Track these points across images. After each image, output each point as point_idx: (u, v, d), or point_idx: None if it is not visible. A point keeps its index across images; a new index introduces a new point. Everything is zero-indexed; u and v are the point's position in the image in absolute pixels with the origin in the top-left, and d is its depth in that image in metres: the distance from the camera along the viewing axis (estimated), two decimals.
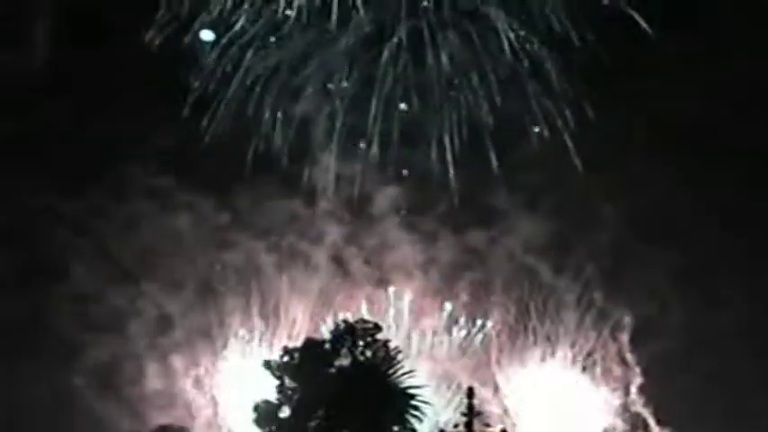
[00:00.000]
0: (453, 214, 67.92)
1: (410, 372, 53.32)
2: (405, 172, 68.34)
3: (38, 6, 64.95)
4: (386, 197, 69.28)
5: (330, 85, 66.73)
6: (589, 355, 69.16)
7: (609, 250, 67.45)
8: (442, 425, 56.76)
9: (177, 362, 68.59)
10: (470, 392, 50.60)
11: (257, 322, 68.78)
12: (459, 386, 65.62)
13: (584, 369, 68.86)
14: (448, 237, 68.88)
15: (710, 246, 66.07)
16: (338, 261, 70.27)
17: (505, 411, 66.68)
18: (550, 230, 67.82)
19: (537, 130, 65.23)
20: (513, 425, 63.70)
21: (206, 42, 63.24)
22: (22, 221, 65.91)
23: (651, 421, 69.56)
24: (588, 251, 67.84)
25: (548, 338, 69.43)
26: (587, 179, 64.77)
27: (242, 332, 68.65)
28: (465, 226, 68.62)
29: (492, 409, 64.35)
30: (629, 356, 69.62)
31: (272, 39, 64.86)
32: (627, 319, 68.53)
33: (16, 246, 65.45)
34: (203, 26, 62.76)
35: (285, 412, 53.33)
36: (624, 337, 68.89)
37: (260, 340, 67.50)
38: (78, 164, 66.53)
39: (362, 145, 67.58)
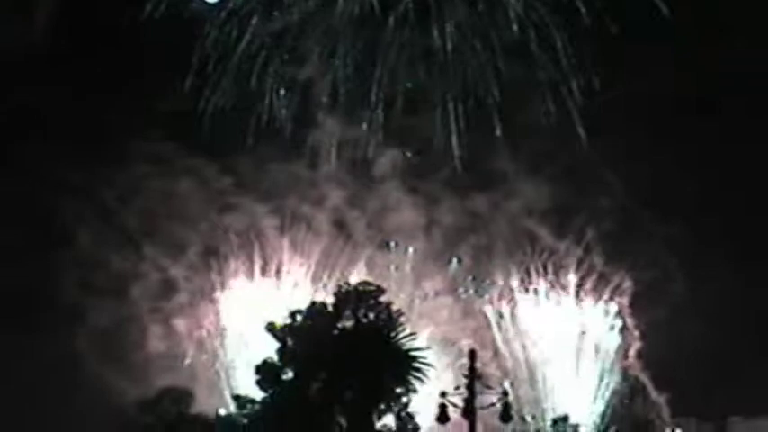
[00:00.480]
0: (456, 179, 67.70)
1: (412, 334, 53.00)
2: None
3: None
4: (388, 161, 69.31)
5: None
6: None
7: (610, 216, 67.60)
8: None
9: (180, 325, 69.10)
10: (472, 354, 49.68)
11: (260, 284, 69.33)
12: (459, 349, 65.82)
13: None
14: (450, 201, 69.09)
15: (710, 216, 65.62)
16: (340, 224, 70.67)
17: (505, 373, 66.85)
18: (553, 195, 68.00)
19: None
20: (512, 385, 63.61)
21: (210, 5, 62.48)
22: (27, 191, 65.36)
23: (649, 385, 69.92)
24: (589, 216, 68.09)
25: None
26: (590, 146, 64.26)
27: (245, 294, 69.05)
28: (467, 190, 68.75)
29: (491, 371, 64.10)
30: (628, 321, 70.08)
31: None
32: (627, 284, 69.05)
33: (20, 214, 65.40)
34: None
35: (288, 374, 53.18)
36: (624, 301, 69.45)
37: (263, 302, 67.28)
38: (81, 133, 66.30)
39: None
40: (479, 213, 69.38)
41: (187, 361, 68.72)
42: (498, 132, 64.73)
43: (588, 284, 69.73)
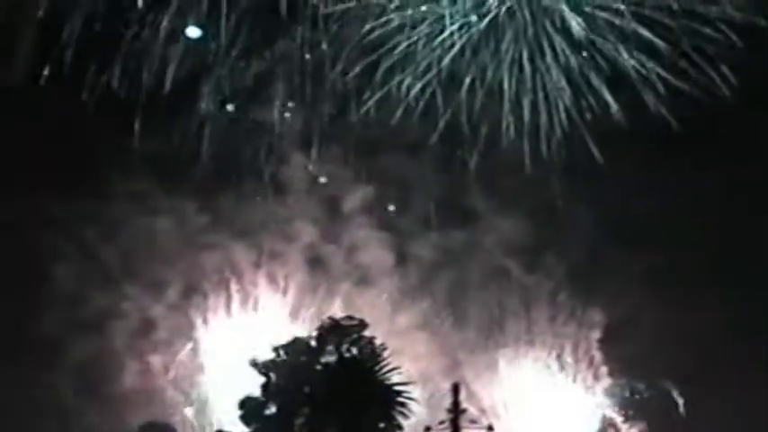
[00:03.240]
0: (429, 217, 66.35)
1: (395, 368, 50.83)
2: None
3: (21, 23, 61.55)
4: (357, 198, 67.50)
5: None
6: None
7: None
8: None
9: (158, 362, 66.43)
10: (456, 388, 47.65)
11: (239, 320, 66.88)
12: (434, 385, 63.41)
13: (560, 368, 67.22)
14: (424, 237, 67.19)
15: (683, 247, 63.84)
16: (316, 260, 68.57)
17: (482, 411, 64.43)
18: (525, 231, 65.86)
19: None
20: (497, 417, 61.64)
21: (192, 39, 60.53)
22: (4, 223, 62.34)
23: (618, 421, 67.98)
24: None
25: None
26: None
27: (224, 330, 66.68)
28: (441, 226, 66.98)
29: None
30: (597, 356, 68.20)
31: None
32: (598, 318, 67.08)
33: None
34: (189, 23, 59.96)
35: (271, 409, 50.71)
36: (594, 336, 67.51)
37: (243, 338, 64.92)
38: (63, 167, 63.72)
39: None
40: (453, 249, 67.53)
41: (167, 396, 66.11)
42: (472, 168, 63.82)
43: (560, 319, 67.72)
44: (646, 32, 59.37)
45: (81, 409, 62.60)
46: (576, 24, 59.52)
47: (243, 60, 62.70)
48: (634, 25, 59.24)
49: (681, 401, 65.22)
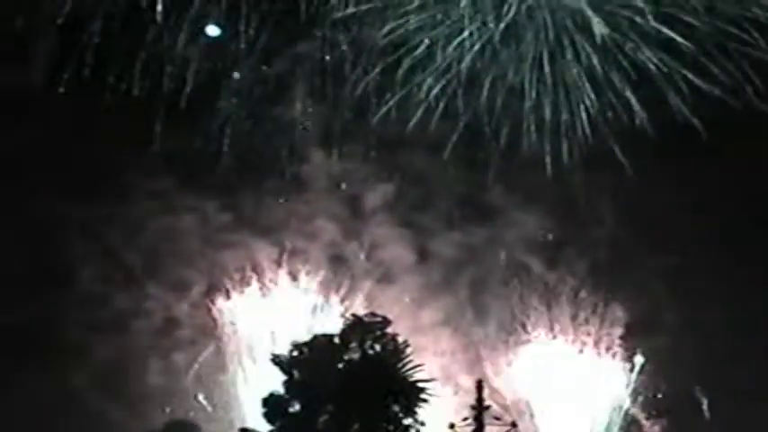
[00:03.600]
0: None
1: (419, 366, 50.27)
2: None
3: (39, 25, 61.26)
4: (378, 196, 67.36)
5: None
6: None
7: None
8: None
9: (181, 360, 66.00)
10: (479, 385, 47.37)
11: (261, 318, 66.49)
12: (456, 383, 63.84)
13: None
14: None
15: (705, 246, 63.62)
16: (338, 258, 68.17)
17: (505, 407, 63.82)
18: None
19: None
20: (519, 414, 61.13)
21: (212, 38, 60.08)
22: (28, 227, 62.82)
23: (642, 418, 67.35)
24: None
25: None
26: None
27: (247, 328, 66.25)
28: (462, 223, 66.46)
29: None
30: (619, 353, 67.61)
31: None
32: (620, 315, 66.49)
33: (23, 251, 62.57)
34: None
35: (294, 407, 50.18)
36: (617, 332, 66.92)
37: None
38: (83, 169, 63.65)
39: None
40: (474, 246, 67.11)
41: (191, 395, 65.67)
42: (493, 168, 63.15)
43: (582, 317, 67.13)
44: (668, 31, 58.48)
45: (105, 408, 61.94)
46: (597, 23, 58.67)
47: (263, 60, 62.32)
48: (656, 24, 58.36)
49: (704, 401, 64.66)
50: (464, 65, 60.52)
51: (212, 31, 59.22)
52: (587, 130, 61.00)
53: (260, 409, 51.19)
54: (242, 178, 65.06)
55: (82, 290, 63.73)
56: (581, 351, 66.67)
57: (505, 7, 59.11)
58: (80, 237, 64.12)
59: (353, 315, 52.74)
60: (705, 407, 64.18)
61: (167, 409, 64.68)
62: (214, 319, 66.34)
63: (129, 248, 65.61)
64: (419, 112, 61.45)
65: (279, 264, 67.14)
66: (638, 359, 65.89)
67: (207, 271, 67.13)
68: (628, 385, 66.39)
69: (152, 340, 65.29)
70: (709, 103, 58.59)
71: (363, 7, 59.07)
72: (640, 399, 66.46)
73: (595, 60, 59.42)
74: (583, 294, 66.72)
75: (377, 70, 60.93)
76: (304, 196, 67.57)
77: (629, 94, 59.97)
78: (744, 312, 62.33)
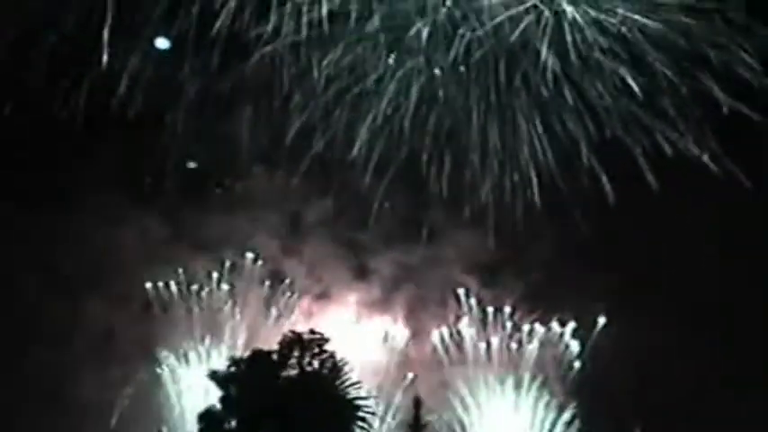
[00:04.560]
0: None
1: (357, 383, 49.11)
2: None
3: None
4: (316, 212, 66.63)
5: None
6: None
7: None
8: None
9: (117, 374, 64.44)
10: (417, 403, 46.65)
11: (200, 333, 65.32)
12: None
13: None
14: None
15: (643, 267, 63.36)
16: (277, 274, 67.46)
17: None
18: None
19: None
20: None
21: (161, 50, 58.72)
22: None
23: None
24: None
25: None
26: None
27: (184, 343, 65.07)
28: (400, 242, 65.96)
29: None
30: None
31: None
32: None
33: None
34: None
35: (231, 423, 48.59)
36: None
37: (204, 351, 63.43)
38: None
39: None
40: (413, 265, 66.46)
41: (125, 408, 64.06)
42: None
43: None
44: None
45: (40, 418, 60.88)
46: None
47: (210, 76, 61.16)
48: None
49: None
50: (412, 92, 60.04)
51: (162, 43, 57.89)
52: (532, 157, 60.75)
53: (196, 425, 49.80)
54: (183, 193, 63.71)
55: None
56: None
57: (455, 40, 58.70)
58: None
59: (291, 331, 51.51)
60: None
61: (101, 422, 63.09)
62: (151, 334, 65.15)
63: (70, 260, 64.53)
64: (364, 133, 60.79)
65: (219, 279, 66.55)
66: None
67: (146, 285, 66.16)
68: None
69: (89, 352, 64.05)
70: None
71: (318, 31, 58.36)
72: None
73: (543, 90, 59.12)
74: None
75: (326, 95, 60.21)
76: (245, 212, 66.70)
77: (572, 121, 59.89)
78: (683, 333, 62.32)
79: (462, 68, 58.22)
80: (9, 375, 60.73)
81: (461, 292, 67.07)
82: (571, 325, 65.95)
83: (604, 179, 58.73)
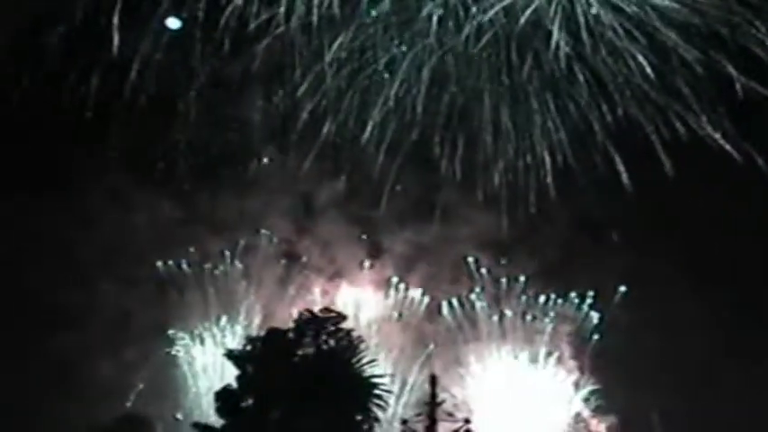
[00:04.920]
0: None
1: (372, 361, 48.80)
2: None
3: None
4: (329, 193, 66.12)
5: None
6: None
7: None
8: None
9: (133, 354, 64.21)
10: (433, 380, 46.11)
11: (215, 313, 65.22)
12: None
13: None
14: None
15: (657, 247, 62.82)
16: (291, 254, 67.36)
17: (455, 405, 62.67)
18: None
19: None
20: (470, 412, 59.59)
21: (172, 30, 58.20)
22: None
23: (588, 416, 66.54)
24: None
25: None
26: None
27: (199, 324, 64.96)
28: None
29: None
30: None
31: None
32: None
33: None
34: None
35: (248, 401, 48.36)
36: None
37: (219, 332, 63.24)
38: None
39: None
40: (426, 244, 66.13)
41: (140, 388, 64.04)
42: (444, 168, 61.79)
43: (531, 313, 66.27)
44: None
45: (57, 401, 60.37)
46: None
47: (222, 59, 60.70)
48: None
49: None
50: (424, 73, 59.50)
51: (172, 23, 57.34)
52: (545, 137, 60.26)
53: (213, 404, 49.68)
54: (197, 175, 63.27)
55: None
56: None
57: (467, 21, 58.09)
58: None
59: (307, 310, 51.16)
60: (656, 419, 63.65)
61: (118, 404, 63.02)
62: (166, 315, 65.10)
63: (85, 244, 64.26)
64: (377, 113, 60.33)
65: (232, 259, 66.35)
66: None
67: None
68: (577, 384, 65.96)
69: (104, 335, 63.75)
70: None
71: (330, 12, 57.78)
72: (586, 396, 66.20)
73: (555, 70, 58.54)
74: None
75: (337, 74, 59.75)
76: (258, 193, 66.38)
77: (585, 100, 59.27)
78: (700, 311, 61.93)
79: (474, 50, 58.03)
80: (26, 359, 60.88)
81: (473, 265, 66.96)
82: (590, 295, 65.57)
83: (617, 159, 58.87)
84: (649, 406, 61.32)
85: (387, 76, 59.18)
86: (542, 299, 66.05)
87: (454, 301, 66.63)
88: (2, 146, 60.85)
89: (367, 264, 67.13)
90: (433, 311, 66.95)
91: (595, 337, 65.43)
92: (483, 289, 66.50)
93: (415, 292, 66.52)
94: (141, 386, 63.72)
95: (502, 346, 65.84)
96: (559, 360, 65.69)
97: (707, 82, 55.37)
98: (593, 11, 55.54)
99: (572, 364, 65.67)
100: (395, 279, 66.69)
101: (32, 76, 58.43)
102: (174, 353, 65.25)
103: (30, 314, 61.73)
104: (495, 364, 65.61)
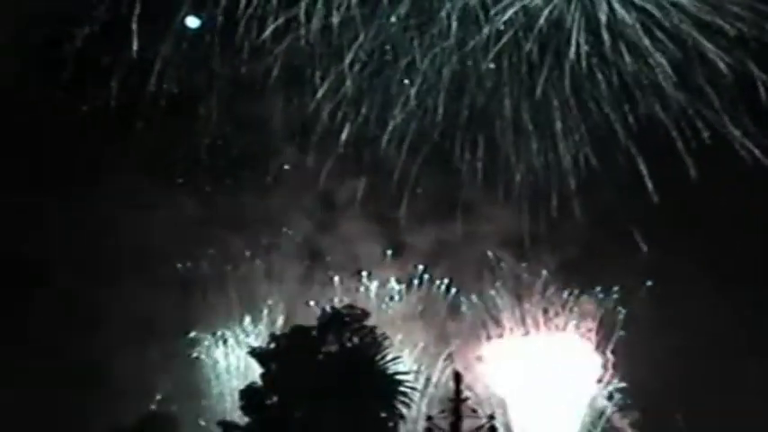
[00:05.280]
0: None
1: (397, 357, 48.65)
2: None
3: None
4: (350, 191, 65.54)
5: None
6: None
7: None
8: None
9: (156, 355, 64.08)
10: (457, 377, 45.53)
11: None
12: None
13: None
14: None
15: (680, 246, 62.26)
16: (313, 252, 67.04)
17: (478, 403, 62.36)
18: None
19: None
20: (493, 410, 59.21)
21: (191, 29, 58.16)
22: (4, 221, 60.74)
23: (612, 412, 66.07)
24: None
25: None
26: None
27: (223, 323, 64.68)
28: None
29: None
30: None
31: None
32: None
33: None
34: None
35: (272, 399, 48.35)
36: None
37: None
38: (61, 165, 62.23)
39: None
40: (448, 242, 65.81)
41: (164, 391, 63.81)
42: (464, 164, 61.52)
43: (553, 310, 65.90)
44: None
45: (82, 402, 59.93)
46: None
47: (241, 58, 60.63)
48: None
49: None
50: (444, 73, 59.27)
51: (192, 22, 57.25)
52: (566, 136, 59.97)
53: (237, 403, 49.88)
54: (217, 173, 63.95)
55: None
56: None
57: (487, 20, 57.82)
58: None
59: (331, 308, 51.06)
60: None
61: (143, 403, 62.52)
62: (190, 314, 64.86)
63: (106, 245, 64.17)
64: (398, 112, 60.13)
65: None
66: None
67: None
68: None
69: (129, 335, 63.48)
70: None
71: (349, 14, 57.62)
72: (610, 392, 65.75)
73: (576, 69, 58.22)
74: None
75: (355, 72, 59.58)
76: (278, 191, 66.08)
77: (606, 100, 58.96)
78: (720, 306, 61.40)
79: (494, 49, 57.78)
80: (50, 360, 60.10)
81: (495, 261, 66.54)
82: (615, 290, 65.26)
83: (639, 159, 58.56)
84: (672, 403, 61.23)
85: (407, 79, 59.47)
86: (565, 294, 65.77)
87: (474, 298, 66.43)
88: (27, 148, 61.15)
89: (389, 260, 66.69)
90: (456, 308, 66.70)
91: (620, 333, 65.05)
92: (504, 284, 66.24)
93: (438, 289, 66.30)
94: (166, 386, 63.84)
95: (524, 342, 65.51)
96: (583, 355, 65.24)
97: (729, 82, 55.28)
98: (614, 9, 55.50)
99: (596, 359, 65.28)
100: (417, 276, 66.54)
101: (55, 77, 59.04)
102: (197, 353, 65.23)
103: (52, 314, 61.66)
104: (517, 360, 65.17)
